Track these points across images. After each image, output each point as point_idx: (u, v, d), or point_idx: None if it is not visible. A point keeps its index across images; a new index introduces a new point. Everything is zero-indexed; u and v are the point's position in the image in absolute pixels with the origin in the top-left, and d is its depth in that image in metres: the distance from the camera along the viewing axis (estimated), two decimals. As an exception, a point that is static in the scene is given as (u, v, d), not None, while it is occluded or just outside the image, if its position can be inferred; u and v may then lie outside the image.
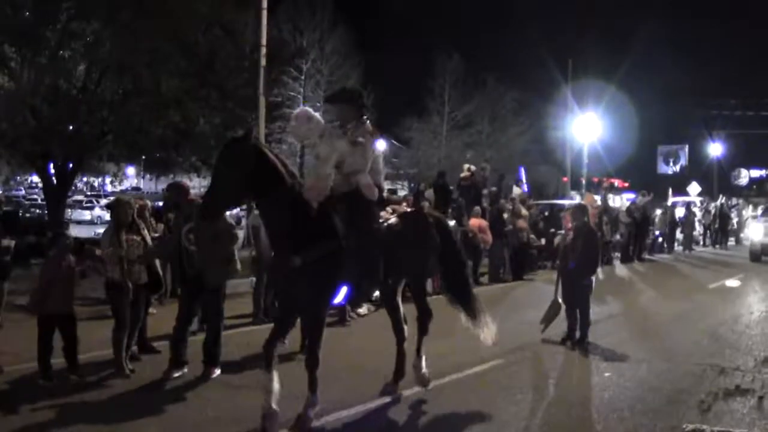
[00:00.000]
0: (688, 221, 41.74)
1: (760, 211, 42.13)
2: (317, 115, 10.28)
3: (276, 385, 9.19)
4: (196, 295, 12.02)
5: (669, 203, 45.85)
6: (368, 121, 10.18)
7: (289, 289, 9.48)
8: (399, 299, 11.23)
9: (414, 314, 11.10)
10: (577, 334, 14.56)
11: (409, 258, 10.62)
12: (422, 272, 11.28)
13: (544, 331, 14.87)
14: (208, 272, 11.80)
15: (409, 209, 12.44)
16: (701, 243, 44.17)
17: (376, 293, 10.81)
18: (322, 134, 9.84)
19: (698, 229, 44.60)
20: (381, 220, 10.32)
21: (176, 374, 11.73)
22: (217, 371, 11.86)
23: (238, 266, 12.55)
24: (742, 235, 46.24)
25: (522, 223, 26.85)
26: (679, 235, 41.85)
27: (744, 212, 52.10)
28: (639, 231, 34.79)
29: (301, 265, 9.05)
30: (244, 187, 9.01)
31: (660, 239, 40.15)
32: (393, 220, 10.58)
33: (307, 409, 9.26)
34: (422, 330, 11.07)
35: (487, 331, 11.32)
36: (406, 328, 11.16)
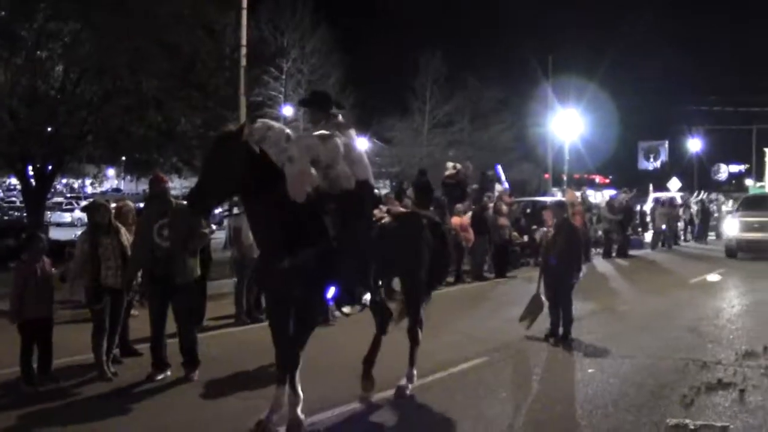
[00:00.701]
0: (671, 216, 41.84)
1: (735, 205, 41.40)
2: (277, 123, 10.26)
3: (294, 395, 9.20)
4: (166, 294, 11.87)
5: (672, 198, 46.45)
6: (339, 116, 10.13)
7: (280, 292, 9.41)
8: (385, 300, 11.19)
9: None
10: (560, 330, 14.60)
11: (404, 261, 10.61)
12: (419, 278, 10.89)
13: (529, 327, 14.89)
14: (177, 270, 11.74)
15: (403, 210, 12.47)
16: (682, 238, 44.18)
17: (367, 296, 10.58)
18: (288, 138, 9.73)
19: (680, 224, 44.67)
20: (374, 220, 10.25)
21: (159, 377, 11.68)
22: (197, 372, 11.82)
23: (198, 270, 12.41)
24: (721, 230, 46.25)
25: (503, 221, 26.88)
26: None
27: (723, 207, 52.34)
28: (622, 227, 34.83)
29: (292, 267, 8.98)
30: (235, 183, 8.86)
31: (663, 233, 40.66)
32: (387, 220, 10.52)
33: (292, 407, 9.16)
34: (414, 340, 10.95)
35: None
36: (391, 325, 11.17)
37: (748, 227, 33.14)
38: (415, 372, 10.84)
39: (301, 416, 9.07)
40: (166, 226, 11.72)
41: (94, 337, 11.72)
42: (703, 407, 10.21)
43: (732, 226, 34.68)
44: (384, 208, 11.08)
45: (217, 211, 27.91)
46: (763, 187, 72.53)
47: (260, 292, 14.44)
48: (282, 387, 9.20)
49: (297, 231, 9.09)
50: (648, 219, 44.51)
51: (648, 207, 46.69)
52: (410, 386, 10.74)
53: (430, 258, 10.97)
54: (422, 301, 11.12)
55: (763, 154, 77.97)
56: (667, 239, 40.42)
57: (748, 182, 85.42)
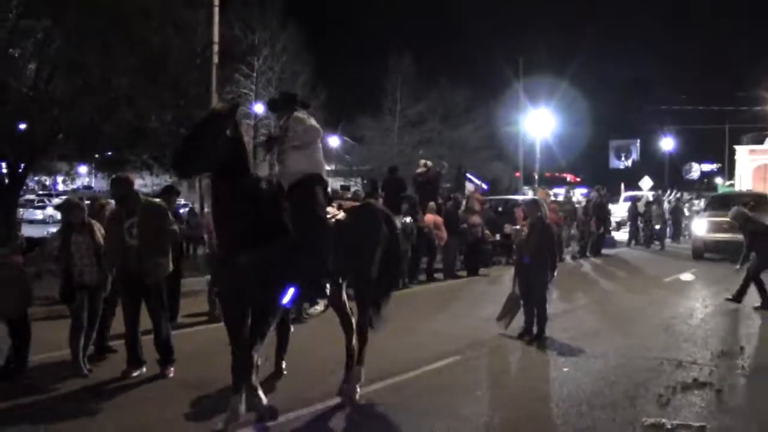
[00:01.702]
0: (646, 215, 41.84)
1: (703, 205, 40.93)
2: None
3: (243, 408, 9.17)
4: (139, 292, 11.84)
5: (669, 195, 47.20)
6: (296, 112, 10.12)
7: (236, 289, 9.29)
8: (344, 297, 11.15)
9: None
10: (535, 329, 14.60)
11: (357, 254, 10.43)
12: (369, 270, 10.65)
13: (508, 326, 14.89)
14: (149, 268, 11.66)
15: (356, 203, 12.08)
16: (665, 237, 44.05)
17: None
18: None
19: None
20: (329, 216, 10.14)
21: (135, 374, 11.68)
22: (172, 369, 11.79)
23: (170, 266, 12.30)
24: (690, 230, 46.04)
25: (476, 219, 26.87)
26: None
27: (693, 207, 52.21)
28: (597, 226, 34.84)
29: (249, 262, 8.92)
30: (215, 158, 8.77)
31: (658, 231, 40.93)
32: (341, 215, 10.40)
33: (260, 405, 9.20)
34: (362, 338, 10.80)
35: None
36: (354, 321, 11.03)
37: (716, 227, 31.40)
38: (363, 371, 10.70)
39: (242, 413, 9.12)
40: (135, 225, 11.66)
41: (71, 333, 11.68)
42: (679, 407, 10.23)
43: (700, 226, 33.62)
44: (336, 203, 10.91)
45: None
46: (732, 185, 73.06)
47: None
48: (238, 395, 9.14)
49: (257, 224, 9.07)
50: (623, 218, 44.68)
51: (620, 206, 46.76)
52: (358, 386, 10.59)
53: (385, 252, 10.80)
54: (371, 297, 10.84)
55: (733, 152, 78.01)
56: (660, 238, 40.47)
57: (718, 181, 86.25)
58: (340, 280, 10.70)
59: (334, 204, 10.69)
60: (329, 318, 10.50)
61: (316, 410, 10.03)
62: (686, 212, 48.35)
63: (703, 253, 32.50)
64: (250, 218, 9.04)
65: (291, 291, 9.34)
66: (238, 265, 8.95)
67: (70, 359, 11.68)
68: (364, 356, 10.73)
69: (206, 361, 12.26)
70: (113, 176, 14.78)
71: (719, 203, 35.07)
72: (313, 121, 10.05)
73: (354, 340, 10.91)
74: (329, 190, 11.45)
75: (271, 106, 11.41)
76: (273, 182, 9.92)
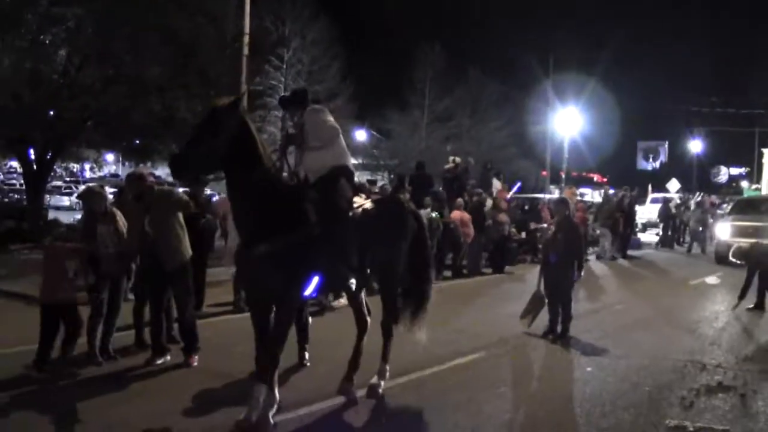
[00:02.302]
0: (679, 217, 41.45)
1: (728, 209, 38.69)
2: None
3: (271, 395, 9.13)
4: (162, 280, 11.85)
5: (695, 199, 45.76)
6: (312, 109, 10.18)
7: (258, 280, 9.29)
8: (363, 292, 11.10)
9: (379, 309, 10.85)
10: (559, 328, 14.55)
11: (383, 245, 10.27)
12: (395, 263, 10.53)
13: (530, 324, 14.86)
14: (165, 253, 11.67)
15: (383, 196, 11.91)
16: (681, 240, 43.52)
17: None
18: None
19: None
20: (355, 206, 10.08)
21: (159, 361, 11.74)
22: (196, 358, 11.83)
23: (189, 251, 12.22)
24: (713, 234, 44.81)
25: (503, 217, 26.82)
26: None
27: (718, 210, 51.07)
28: (625, 227, 34.48)
29: (271, 253, 8.89)
30: (219, 156, 8.71)
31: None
32: (368, 205, 10.32)
33: (265, 408, 9.02)
34: (387, 334, 10.69)
35: (419, 334, 10.89)
36: (369, 320, 11.03)
37: (741, 232, 29.77)
38: (387, 368, 10.62)
39: (271, 420, 8.95)
40: (149, 213, 11.72)
41: (89, 322, 11.68)
42: (703, 410, 10.18)
43: (723, 230, 31.96)
44: (363, 196, 10.83)
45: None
46: (758, 189, 70.57)
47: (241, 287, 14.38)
48: (260, 385, 9.07)
49: (278, 216, 9.03)
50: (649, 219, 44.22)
51: (647, 207, 46.23)
52: (382, 383, 10.48)
53: (412, 247, 10.71)
54: (397, 292, 10.80)
55: (762, 155, 76.80)
56: (701, 242, 38.91)
57: (744, 184, 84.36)
58: (367, 272, 10.52)
59: (362, 196, 10.65)
60: (347, 312, 10.46)
61: (337, 404, 10.05)
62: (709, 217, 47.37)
63: (727, 258, 29.09)
64: (264, 210, 9.00)
65: (315, 281, 9.28)
66: (254, 255, 8.95)
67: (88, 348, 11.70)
68: (388, 352, 10.63)
69: (230, 350, 12.28)
70: (128, 173, 14.78)
71: (744, 207, 34.05)
72: (330, 119, 10.06)
73: (364, 339, 10.91)
74: (356, 181, 11.32)
75: (283, 103, 11.46)
76: (297, 173, 9.90)
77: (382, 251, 10.31)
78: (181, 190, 13.87)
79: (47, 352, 11.16)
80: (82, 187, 55.33)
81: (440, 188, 27.59)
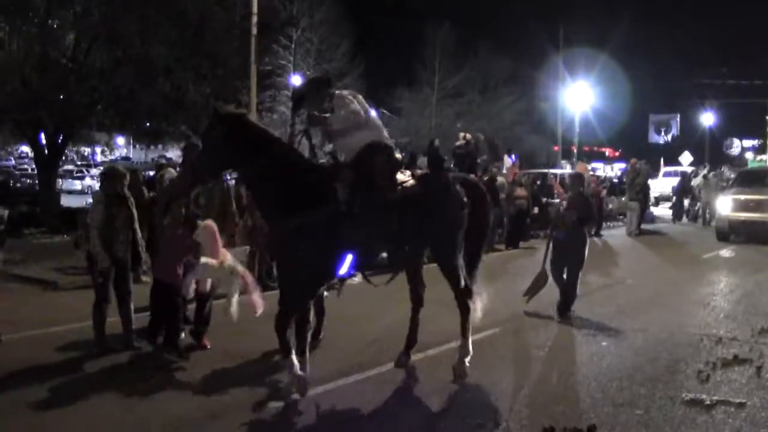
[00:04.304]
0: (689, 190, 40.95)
1: (730, 180, 35.76)
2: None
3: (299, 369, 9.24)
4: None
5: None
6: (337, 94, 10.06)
7: (285, 258, 9.38)
8: (421, 269, 10.98)
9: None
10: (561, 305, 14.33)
11: (430, 225, 10.00)
12: (444, 239, 10.26)
13: (528, 302, 14.71)
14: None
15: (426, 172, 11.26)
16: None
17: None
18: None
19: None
20: (397, 183, 9.87)
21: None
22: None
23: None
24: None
25: (521, 191, 26.79)
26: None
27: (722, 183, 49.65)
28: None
29: (297, 232, 8.97)
30: (221, 159, 9.26)
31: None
32: (410, 182, 10.03)
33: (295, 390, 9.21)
34: (463, 310, 10.48)
35: (478, 304, 10.74)
36: (423, 295, 10.89)
37: (743, 206, 28.15)
38: (469, 344, 10.39)
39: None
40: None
41: (95, 307, 11.62)
42: (719, 383, 10.16)
43: (725, 204, 29.16)
44: (407, 171, 10.44)
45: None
46: (763, 161, 68.36)
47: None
48: (290, 357, 9.23)
49: (300, 196, 9.13)
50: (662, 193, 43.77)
51: (659, 181, 45.68)
52: (467, 360, 10.26)
53: (465, 220, 10.34)
54: (458, 267, 10.38)
55: (766, 124, 74.95)
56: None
57: (748, 156, 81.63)
58: (410, 250, 10.50)
59: (405, 173, 10.32)
60: (365, 289, 10.39)
61: (355, 380, 10.09)
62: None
63: (728, 234, 28.90)
64: (281, 192, 9.16)
65: (349, 258, 9.30)
66: (283, 231, 9.15)
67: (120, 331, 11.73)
68: (467, 329, 10.45)
69: (245, 331, 12.26)
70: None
71: (747, 179, 31.36)
72: (354, 104, 9.83)
73: (420, 312, 10.87)
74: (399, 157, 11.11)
75: (297, 102, 11.43)
76: (333, 154, 9.96)
77: (431, 228, 10.06)
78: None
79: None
80: (93, 171, 55.49)
81: (451, 165, 27.52)
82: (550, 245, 14.77)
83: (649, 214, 37.21)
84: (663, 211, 42.74)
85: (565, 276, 14.42)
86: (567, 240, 14.33)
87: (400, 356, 10.64)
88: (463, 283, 10.44)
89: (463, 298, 10.48)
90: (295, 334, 9.37)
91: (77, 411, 8.92)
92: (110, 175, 12.12)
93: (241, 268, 11.43)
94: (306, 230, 8.97)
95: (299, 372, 9.21)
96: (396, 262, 10.82)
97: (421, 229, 9.97)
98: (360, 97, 10.18)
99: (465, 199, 10.40)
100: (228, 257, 11.31)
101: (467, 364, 10.18)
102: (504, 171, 29.26)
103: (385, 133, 10.16)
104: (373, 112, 10.34)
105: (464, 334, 10.43)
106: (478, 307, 10.73)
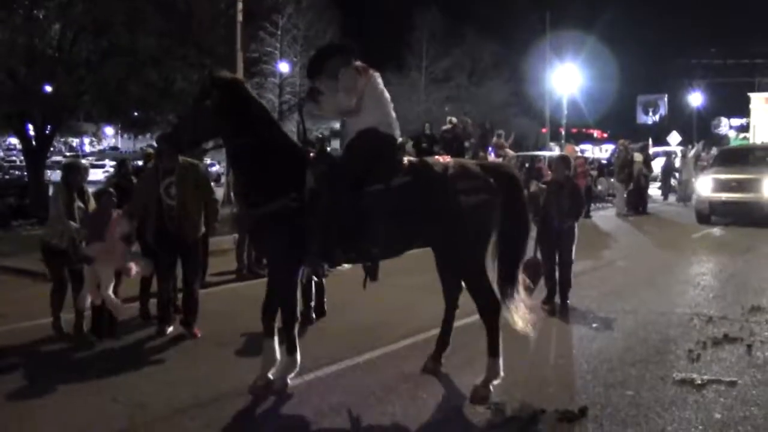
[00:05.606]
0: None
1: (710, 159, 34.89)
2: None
3: (277, 355, 9.19)
4: (174, 252, 11.86)
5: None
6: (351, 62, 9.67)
7: (256, 242, 9.38)
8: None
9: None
10: (558, 298, 13.90)
11: (423, 224, 8.91)
12: (452, 245, 9.05)
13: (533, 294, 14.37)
14: (187, 228, 11.67)
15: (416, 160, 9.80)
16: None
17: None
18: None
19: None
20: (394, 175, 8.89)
21: (169, 330, 11.85)
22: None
23: (203, 227, 12.15)
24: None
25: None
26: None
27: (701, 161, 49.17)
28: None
29: (259, 221, 8.92)
30: (212, 124, 8.86)
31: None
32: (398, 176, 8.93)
33: (285, 371, 9.19)
34: (489, 325, 9.33)
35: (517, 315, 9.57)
36: (458, 298, 9.96)
37: (723, 186, 27.04)
38: (499, 363, 9.28)
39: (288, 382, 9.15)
40: (173, 184, 11.61)
41: (51, 296, 11.76)
42: (710, 362, 10.18)
43: (704, 184, 28.11)
44: (408, 158, 9.56)
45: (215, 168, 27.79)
46: (746, 139, 66.52)
47: None
48: (270, 340, 9.16)
49: (270, 183, 8.86)
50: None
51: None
52: (492, 385, 9.03)
53: (490, 218, 9.10)
54: (477, 274, 9.25)
55: (748, 100, 70.25)
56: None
57: (731, 134, 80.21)
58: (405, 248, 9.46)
59: (405, 159, 9.46)
60: (357, 275, 10.37)
61: (347, 366, 10.15)
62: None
63: (709, 216, 27.81)
64: (255, 174, 8.95)
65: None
66: (246, 219, 9.30)
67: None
68: (495, 347, 9.29)
69: (235, 319, 12.29)
70: (160, 133, 14.70)
71: (728, 158, 30.45)
72: (354, 84, 9.30)
73: (454, 318, 10.06)
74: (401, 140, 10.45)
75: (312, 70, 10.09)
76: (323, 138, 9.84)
77: (429, 228, 8.98)
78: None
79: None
80: (83, 161, 55.45)
81: (440, 149, 27.52)
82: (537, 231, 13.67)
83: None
84: (653, 191, 42.70)
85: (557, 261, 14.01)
86: (559, 226, 13.68)
87: (426, 363, 9.98)
88: (486, 295, 9.32)
89: (486, 314, 9.35)
90: (282, 323, 9.27)
91: (66, 401, 8.93)
92: (70, 168, 12.34)
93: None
94: (270, 218, 8.78)
95: (276, 356, 9.13)
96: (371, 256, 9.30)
97: (411, 228, 8.93)
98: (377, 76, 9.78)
99: (488, 194, 9.09)
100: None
101: (491, 390, 9.00)
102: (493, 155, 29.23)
103: (389, 119, 9.49)
104: (385, 93, 9.72)
105: (491, 354, 9.24)
106: (516, 317, 9.58)
